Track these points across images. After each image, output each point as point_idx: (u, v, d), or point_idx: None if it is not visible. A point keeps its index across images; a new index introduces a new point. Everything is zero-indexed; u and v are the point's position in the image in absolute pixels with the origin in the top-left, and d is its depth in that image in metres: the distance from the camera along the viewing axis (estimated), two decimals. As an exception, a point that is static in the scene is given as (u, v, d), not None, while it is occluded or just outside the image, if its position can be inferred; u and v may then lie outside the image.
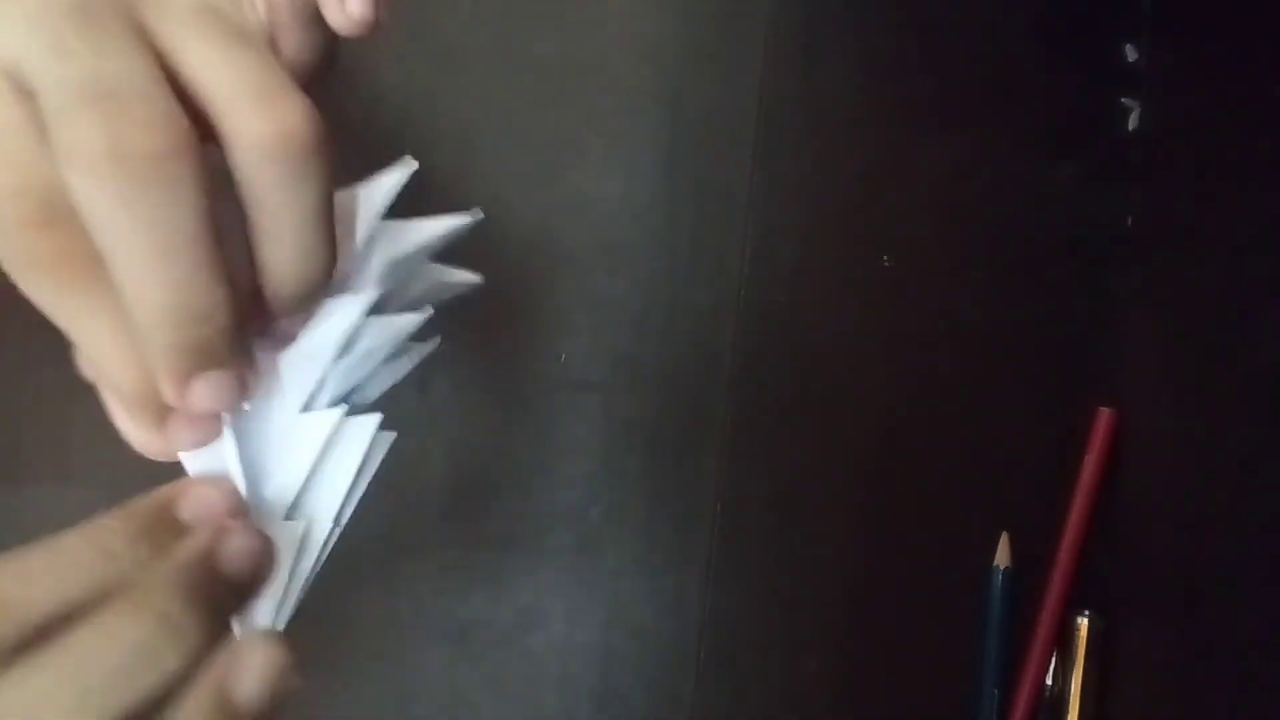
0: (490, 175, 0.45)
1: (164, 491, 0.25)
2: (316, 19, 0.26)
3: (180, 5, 0.23)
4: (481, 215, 0.29)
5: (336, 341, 0.27)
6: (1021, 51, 0.45)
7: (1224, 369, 0.43)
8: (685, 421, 0.44)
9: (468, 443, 0.43)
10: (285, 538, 0.26)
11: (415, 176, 0.29)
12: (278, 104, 0.23)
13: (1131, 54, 0.45)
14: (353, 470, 0.28)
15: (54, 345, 0.43)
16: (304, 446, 0.27)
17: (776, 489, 0.44)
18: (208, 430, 0.26)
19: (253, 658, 0.23)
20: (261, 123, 0.23)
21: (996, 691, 0.42)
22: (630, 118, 0.45)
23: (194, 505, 0.25)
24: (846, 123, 0.45)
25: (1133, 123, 0.45)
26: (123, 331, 0.24)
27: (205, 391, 0.24)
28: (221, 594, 0.23)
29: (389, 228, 0.28)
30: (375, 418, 0.28)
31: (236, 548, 0.24)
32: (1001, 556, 0.43)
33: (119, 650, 0.21)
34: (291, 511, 0.27)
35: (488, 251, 0.43)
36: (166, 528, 0.24)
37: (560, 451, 0.44)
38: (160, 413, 0.25)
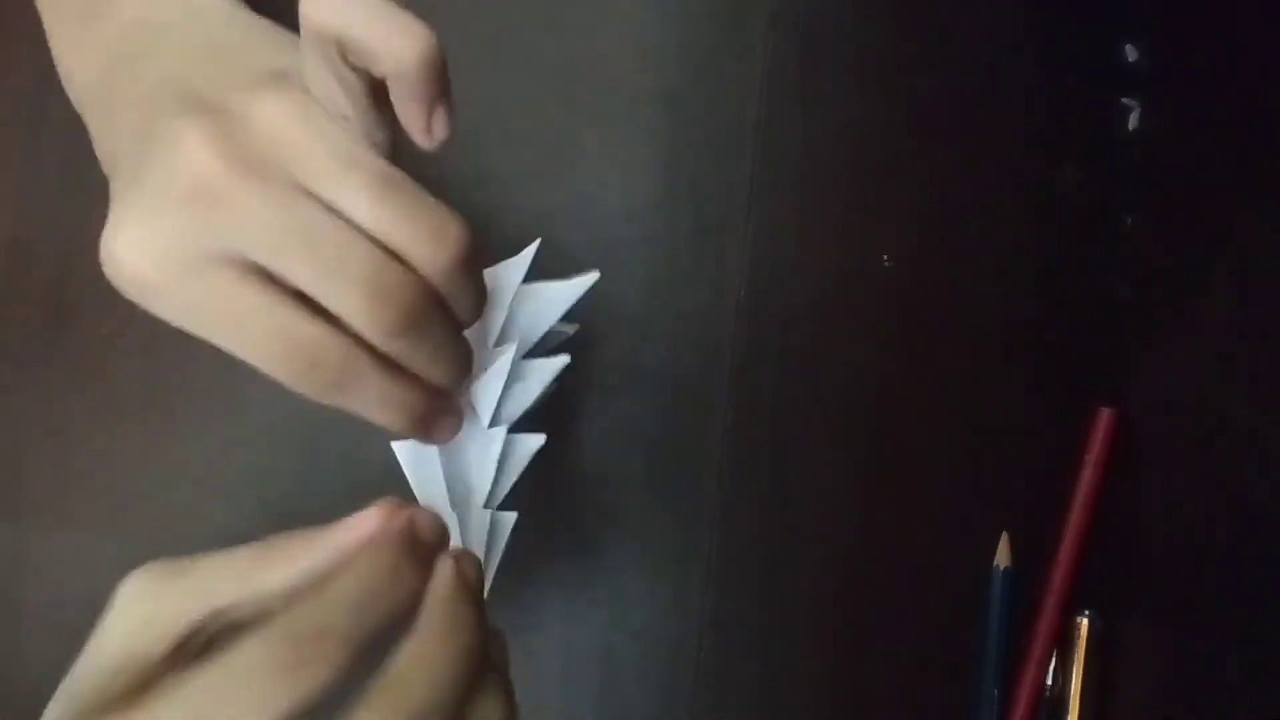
0: (490, 175, 0.45)
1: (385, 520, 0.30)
2: (385, 111, 0.30)
3: (323, 155, 0.28)
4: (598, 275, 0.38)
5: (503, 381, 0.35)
6: (1021, 51, 0.45)
7: (1224, 369, 0.43)
8: (685, 421, 0.44)
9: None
10: (481, 525, 0.36)
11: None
12: (449, 226, 0.29)
13: (1131, 54, 0.45)
14: (515, 475, 0.37)
15: (53, 355, 0.43)
16: (489, 457, 0.35)
17: (776, 489, 0.44)
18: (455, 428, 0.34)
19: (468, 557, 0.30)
20: (440, 251, 0.28)
21: (996, 691, 0.42)
22: (630, 118, 0.45)
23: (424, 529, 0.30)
24: (846, 123, 0.45)
25: (1133, 123, 0.45)
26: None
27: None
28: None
29: (536, 297, 0.37)
30: (540, 437, 0.37)
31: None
32: (1001, 556, 0.43)
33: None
34: (488, 501, 0.36)
35: (488, 252, 0.43)
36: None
37: (560, 451, 0.44)
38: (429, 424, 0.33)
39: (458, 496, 0.35)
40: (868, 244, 0.45)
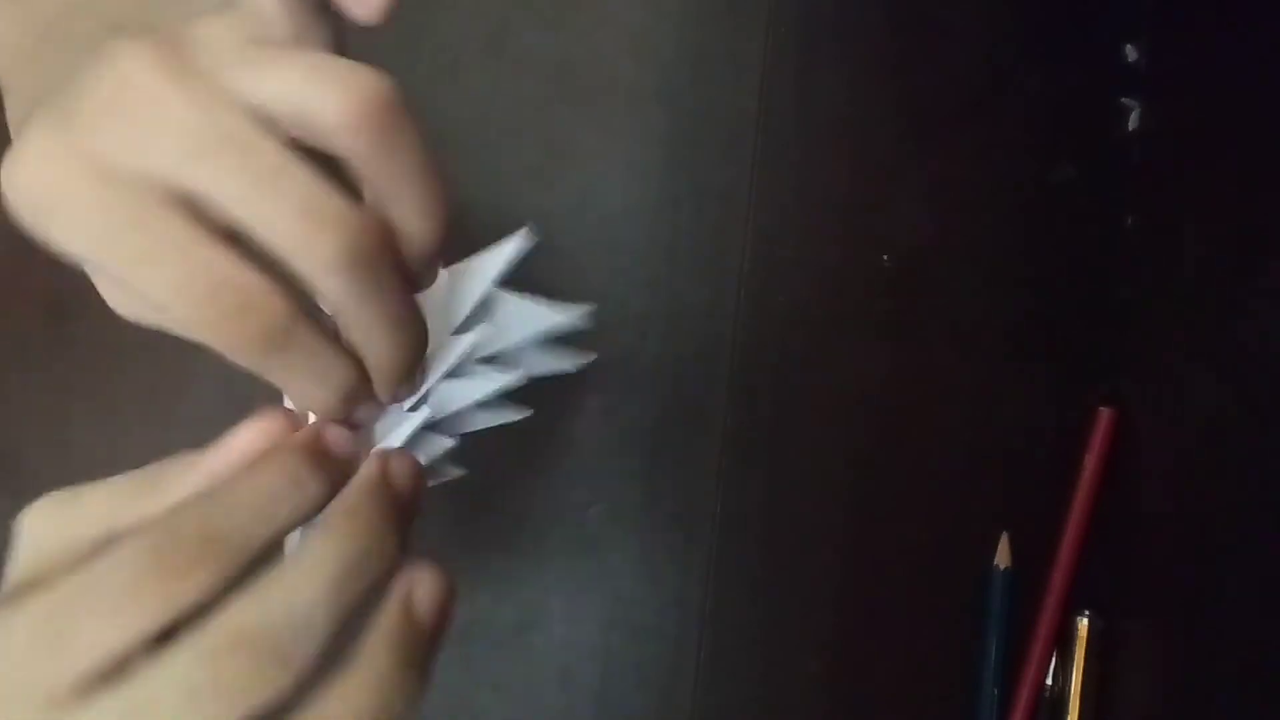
0: (490, 175, 0.45)
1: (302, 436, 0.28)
2: (325, 12, 0.27)
3: (224, 47, 0.25)
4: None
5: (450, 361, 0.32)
6: (1021, 51, 0.45)
7: (1224, 369, 0.43)
8: (685, 421, 0.44)
9: (468, 443, 0.43)
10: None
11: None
12: (351, 80, 0.25)
13: (1131, 54, 0.45)
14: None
15: (53, 355, 0.43)
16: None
17: (776, 489, 0.44)
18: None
19: (426, 584, 0.27)
20: (343, 103, 0.24)
21: (996, 691, 0.42)
22: (630, 118, 0.45)
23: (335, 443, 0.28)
24: (846, 122, 0.45)
25: (1133, 123, 0.45)
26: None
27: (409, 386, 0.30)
28: (396, 517, 0.27)
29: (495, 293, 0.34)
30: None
31: (402, 469, 0.27)
32: (1001, 556, 0.43)
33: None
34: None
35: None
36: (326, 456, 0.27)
37: (560, 451, 0.44)
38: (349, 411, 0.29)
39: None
40: (868, 243, 0.45)
